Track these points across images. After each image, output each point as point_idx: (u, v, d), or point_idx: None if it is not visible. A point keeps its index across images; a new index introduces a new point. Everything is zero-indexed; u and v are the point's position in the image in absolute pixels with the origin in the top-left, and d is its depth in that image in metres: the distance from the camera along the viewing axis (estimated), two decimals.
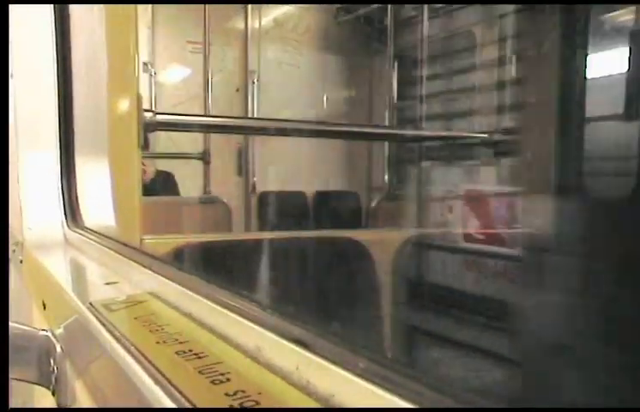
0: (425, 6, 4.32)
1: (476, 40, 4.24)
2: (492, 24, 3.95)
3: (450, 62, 4.59)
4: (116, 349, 0.68)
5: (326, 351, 0.52)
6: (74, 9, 1.80)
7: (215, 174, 4.58)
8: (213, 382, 0.54)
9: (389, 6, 4.82)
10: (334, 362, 0.51)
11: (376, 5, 5.26)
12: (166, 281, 0.86)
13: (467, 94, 4.40)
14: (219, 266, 1.84)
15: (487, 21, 4.02)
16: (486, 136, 2.35)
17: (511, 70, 3.39)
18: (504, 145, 2.29)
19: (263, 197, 5.08)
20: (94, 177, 1.77)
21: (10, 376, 1.09)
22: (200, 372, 0.56)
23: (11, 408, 1.01)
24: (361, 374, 0.48)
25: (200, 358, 0.60)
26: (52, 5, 1.79)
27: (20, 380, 1.07)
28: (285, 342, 0.56)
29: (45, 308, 1.22)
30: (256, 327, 0.61)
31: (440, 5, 4.53)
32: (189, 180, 4.63)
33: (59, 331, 1.01)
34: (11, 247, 1.88)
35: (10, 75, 1.79)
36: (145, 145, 1.63)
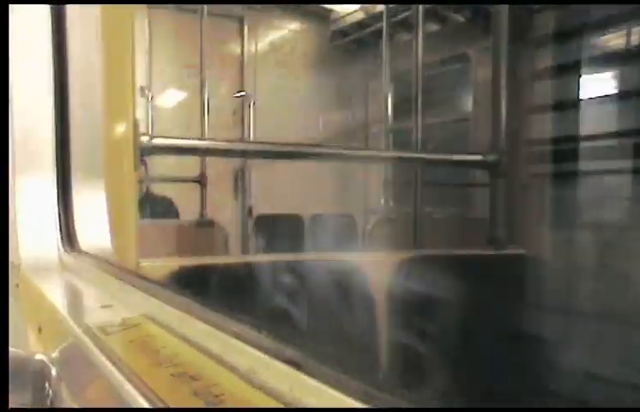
0: (420, 30, 4.36)
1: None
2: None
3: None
4: (111, 372, 0.68)
5: (320, 373, 0.53)
6: (71, 33, 1.82)
7: (212, 197, 4.58)
8: (207, 404, 0.54)
9: (384, 30, 4.86)
10: (327, 384, 0.51)
11: (368, 31, 5.31)
12: (162, 303, 0.86)
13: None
14: (216, 289, 1.84)
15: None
16: (479, 157, 2.36)
17: None
18: (500, 166, 2.30)
19: (260, 220, 5.09)
20: (91, 200, 1.78)
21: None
22: (195, 393, 0.57)
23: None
24: (355, 396, 0.48)
25: (195, 380, 0.60)
26: (50, 27, 1.81)
27: (15, 408, 1.06)
28: (279, 363, 0.56)
29: (40, 332, 1.22)
30: (251, 349, 0.61)
31: (434, 32, 4.58)
32: (184, 204, 4.64)
33: (55, 355, 1.01)
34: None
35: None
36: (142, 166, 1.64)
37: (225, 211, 4.83)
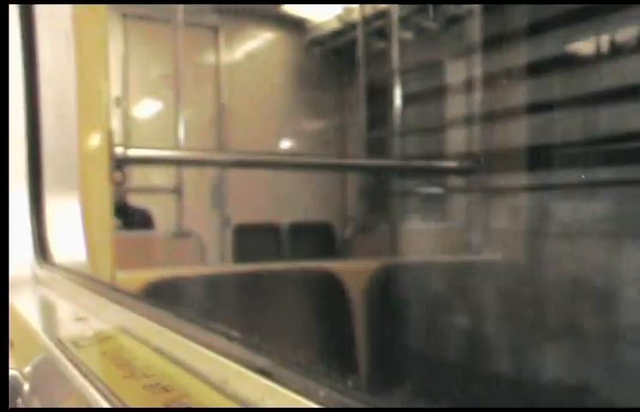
0: (396, 39, 4.39)
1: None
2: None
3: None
4: (84, 385, 0.67)
5: (292, 382, 0.53)
6: (42, 44, 1.80)
7: (189, 208, 4.55)
8: None
9: (360, 38, 4.89)
10: (300, 393, 0.51)
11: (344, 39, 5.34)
12: (135, 315, 0.86)
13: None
14: (192, 300, 1.83)
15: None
16: (455, 164, 2.39)
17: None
18: (476, 173, 2.32)
19: (238, 230, 5.07)
20: (65, 212, 1.76)
21: None
22: (166, 405, 0.56)
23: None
24: (327, 404, 0.49)
25: (167, 391, 0.60)
26: (21, 38, 1.79)
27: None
28: (251, 373, 0.56)
29: (13, 347, 1.20)
30: (223, 359, 0.61)
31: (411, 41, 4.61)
32: (162, 215, 4.60)
33: (27, 370, 0.99)
34: None
35: None
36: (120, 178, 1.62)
37: (202, 221, 4.80)
